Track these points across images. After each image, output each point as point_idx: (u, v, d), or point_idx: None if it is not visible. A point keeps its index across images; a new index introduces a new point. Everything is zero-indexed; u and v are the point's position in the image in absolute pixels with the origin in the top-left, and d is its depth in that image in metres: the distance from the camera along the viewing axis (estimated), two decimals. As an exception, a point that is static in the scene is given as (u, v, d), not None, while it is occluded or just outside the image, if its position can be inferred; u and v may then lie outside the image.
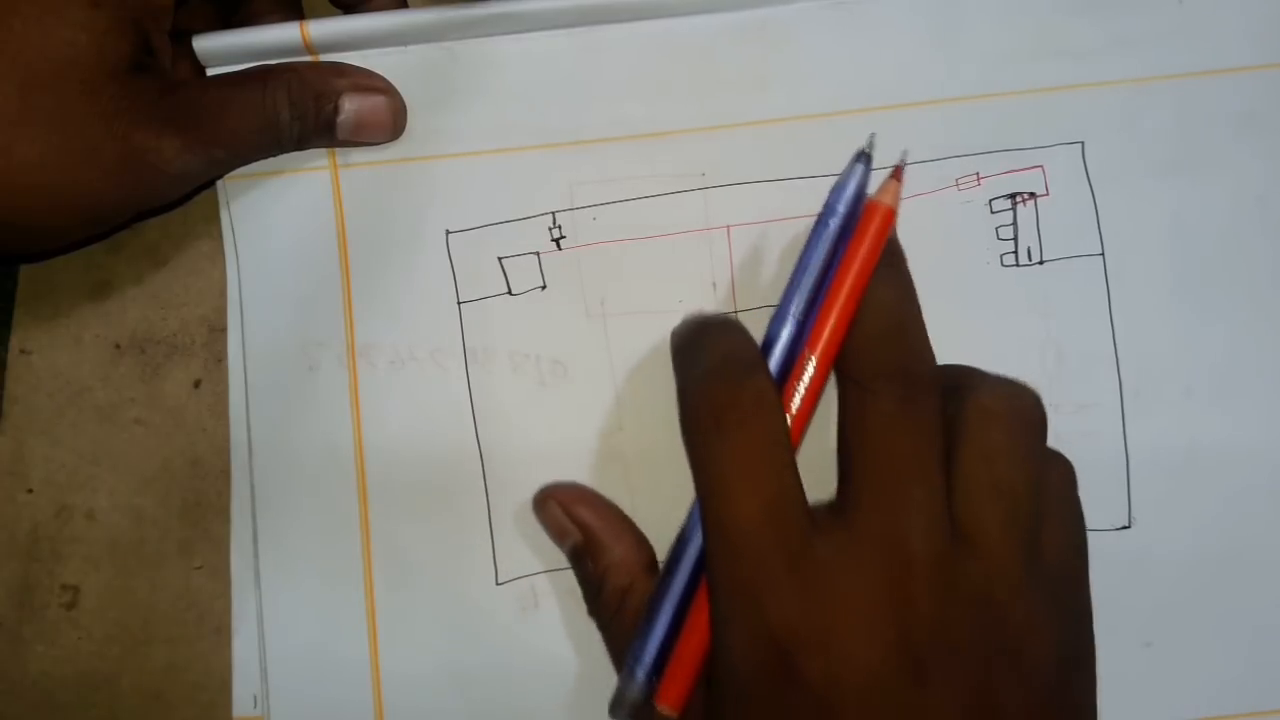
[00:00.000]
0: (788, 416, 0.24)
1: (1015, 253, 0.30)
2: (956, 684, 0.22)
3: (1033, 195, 0.30)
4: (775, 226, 0.30)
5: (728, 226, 0.30)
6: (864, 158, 0.26)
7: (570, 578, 0.29)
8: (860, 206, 0.25)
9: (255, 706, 0.29)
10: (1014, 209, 0.30)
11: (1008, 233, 0.30)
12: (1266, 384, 0.29)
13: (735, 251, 0.30)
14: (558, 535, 0.28)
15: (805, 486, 0.24)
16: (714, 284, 0.30)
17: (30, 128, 0.25)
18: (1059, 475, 0.24)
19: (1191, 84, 0.30)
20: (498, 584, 0.29)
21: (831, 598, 0.22)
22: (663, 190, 0.30)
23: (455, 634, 0.29)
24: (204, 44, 0.29)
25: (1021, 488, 0.23)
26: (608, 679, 0.29)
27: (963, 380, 0.24)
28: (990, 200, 0.30)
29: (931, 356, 0.24)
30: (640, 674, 0.25)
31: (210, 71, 0.30)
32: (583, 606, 0.29)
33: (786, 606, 0.22)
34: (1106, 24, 0.30)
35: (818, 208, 0.29)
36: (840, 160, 0.30)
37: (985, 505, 0.23)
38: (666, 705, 0.24)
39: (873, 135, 0.26)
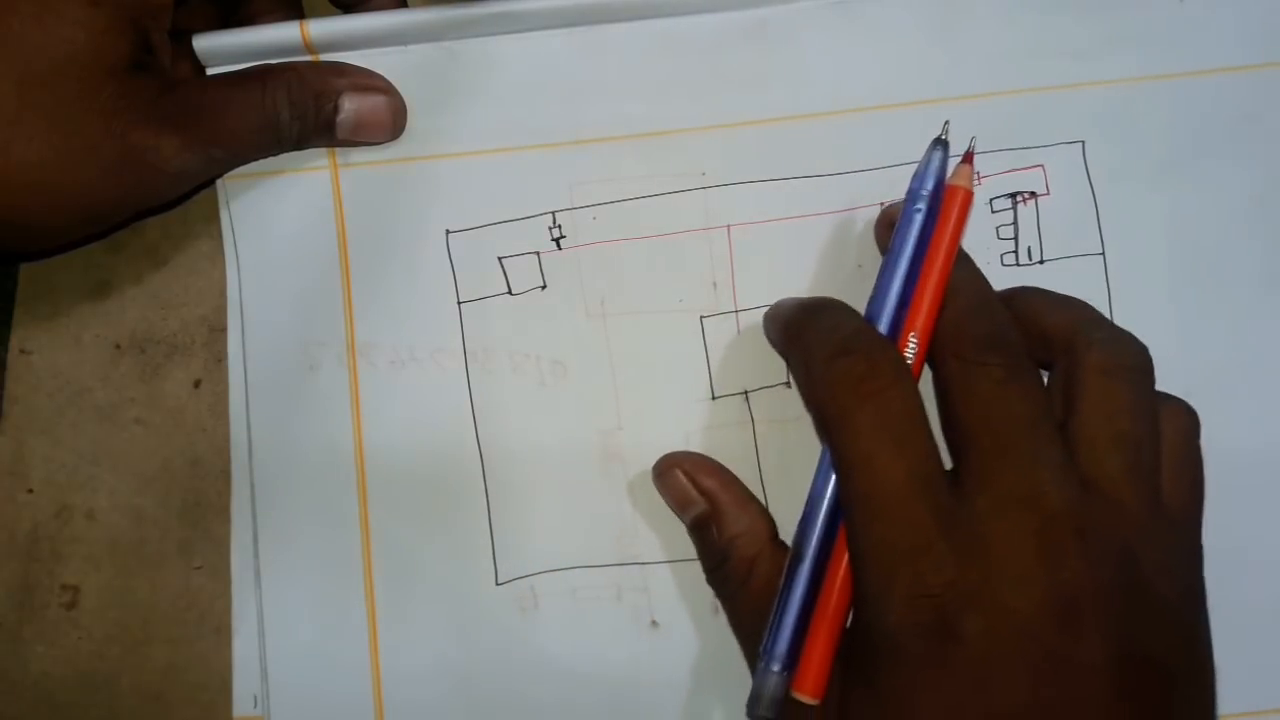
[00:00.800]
0: None
1: (1016, 252, 0.30)
2: (1105, 629, 0.22)
3: (1033, 194, 0.30)
4: (776, 226, 0.30)
5: (728, 226, 0.30)
6: (942, 144, 0.27)
7: (568, 578, 0.29)
8: (940, 191, 0.26)
9: (255, 706, 0.29)
10: (1014, 208, 0.30)
11: (1008, 232, 0.30)
12: (1266, 384, 0.29)
13: (735, 251, 0.30)
14: (681, 504, 0.28)
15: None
16: (714, 283, 0.30)
17: (29, 126, 0.25)
18: (1177, 423, 0.25)
19: (1192, 83, 0.30)
20: (497, 584, 0.29)
21: (984, 555, 0.23)
22: (663, 190, 0.30)
23: (455, 634, 0.29)
24: (204, 43, 0.29)
25: (1143, 437, 0.24)
26: (605, 678, 0.29)
27: (1073, 338, 0.25)
28: (991, 199, 0.30)
29: (1015, 325, 0.25)
30: (775, 667, 0.25)
31: (210, 71, 0.30)
32: (583, 605, 0.29)
33: (943, 566, 0.23)
34: (1107, 23, 0.30)
35: (819, 206, 0.30)
36: (840, 160, 0.30)
37: (1110, 456, 0.24)
38: (806, 694, 0.24)
39: (947, 124, 0.27)
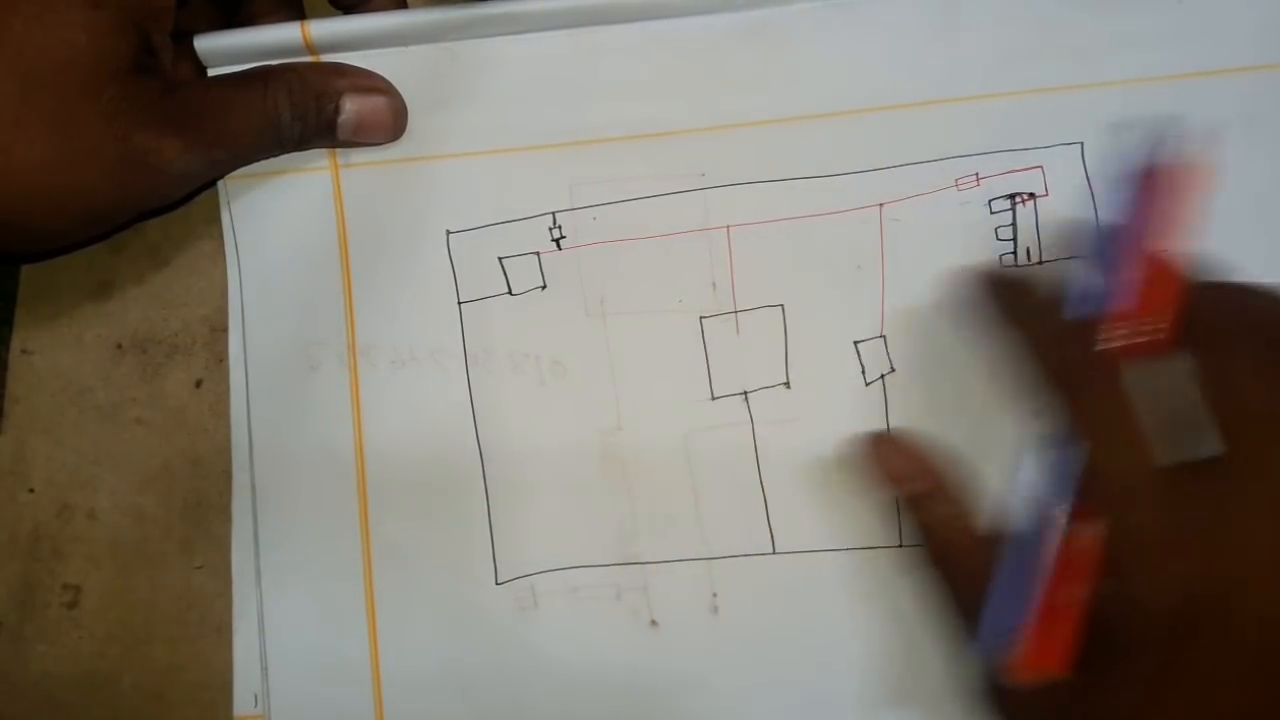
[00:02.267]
0: None
1: (1015, 253, 0.30)
2: None
3: (1032, 195, 0.30)
4: (775, 226, 0.30)
5: (727, 226, 0.30)
6: (1157, 130, 0.26)
7: (568, 577, 0.29)
8: (1156, 173, 0.25)
9: (256, 705, 0.29)
10: (1013, 209, 0.30)
11: (1007, 233, 0.30)
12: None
13: (735, 251, 0.30)
14: (900, 479, 0.27)
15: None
16: (713, 284, 0.30)
17: (31, 128, 0.25)
18: None
19: (1190, 84, 0.30)
20: (497, 583, 0.29)
21: (1238, 545, 0.22)
22: (662, 190, 0.30)
23: (455, 633, 0.29)
24: (205, 44, 0.29)
25: None
26: (604, 678, 0.29)
27: None
28: (990, 200, 0.30)
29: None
30: (1000, 640, 0.24)
31: (211, 72, 0.30)
32: (582, 605, 0.29)
33: (1194, 558, 0.22)
34: (1106, 24, 0.30)
35: (818, 207, 0.30)
36: (839, 161, 0.30)
37: None
38: (1040, 668, 0.23)
39: (1173, 117, 0.27)
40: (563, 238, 0.30)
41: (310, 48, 0.30)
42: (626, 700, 0.29)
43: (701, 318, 0.30)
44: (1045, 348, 0.25)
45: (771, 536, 0.29)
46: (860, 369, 0.29)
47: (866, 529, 0.29)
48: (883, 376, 0.29)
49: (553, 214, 0.30)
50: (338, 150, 0.30)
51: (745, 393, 0.30)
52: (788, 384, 0.30)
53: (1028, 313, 0.26)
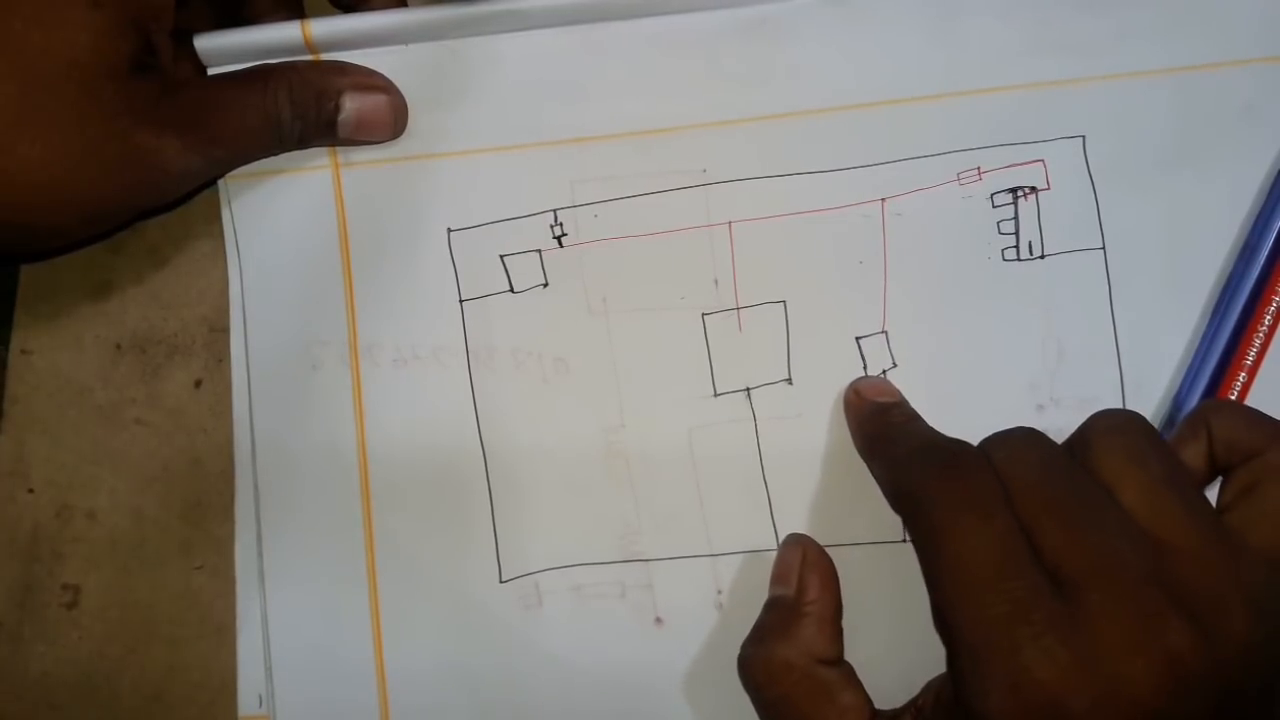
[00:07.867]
0: None
1: (1016, 247, 0.30)
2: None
3: (1034, 189, 0.30)
4: (777, 222, 0.30)
5: (729, 222, 0.30)
6: None
7: (572, 575, 0.29)
8: None
9: (261, 706, 0.29)
10: (1015, 203, 0.30)
11: (1009, 227, 0.30)
12: (1266, 377, 0.29)
13: (737, 248, 0.30)
14: (778, 577, 0.28)
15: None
16: (716, 280, 0.30)
17: (32, 128, 0.25)
18: None
19: (1192, 77, 0.30)
20: (501, 582, 0.29)
21: (1085, 627, 0.21)
22: (664, 187, 0.30)
23: (459, 632, 0.29)
24: (205, 43, 0.29)
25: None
26: (608, 675, 0.29)
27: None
28: (991, 194, 0.30)
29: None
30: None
31: (211, 71, 0.30)
32: (587, 603, 0.29)
33: (1041, 638, 0.21)
34: (1107, 17, 0.30)
35: (820, 203, 0.30)
36: (840, 156, 0.30)
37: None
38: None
39: None
40: (564, 235, 0.30)
41: (310, 46, 0.30)
42: (631, 698, 0.29)
43: (704, 314, 0.30)
44: (896, 461, 0.26)
45: (775, 532, 0.29)
46: (863, 364, 0.29)
47: (870, 524, 0.29)
48: (885, 372, 0.29)
49: (554, 211, 0.30)
50: (338, 149, 0.30)
51: (748, 389, 0.30)
52: (790, 380, 0.30)
53: (890, 434, 0.27)
